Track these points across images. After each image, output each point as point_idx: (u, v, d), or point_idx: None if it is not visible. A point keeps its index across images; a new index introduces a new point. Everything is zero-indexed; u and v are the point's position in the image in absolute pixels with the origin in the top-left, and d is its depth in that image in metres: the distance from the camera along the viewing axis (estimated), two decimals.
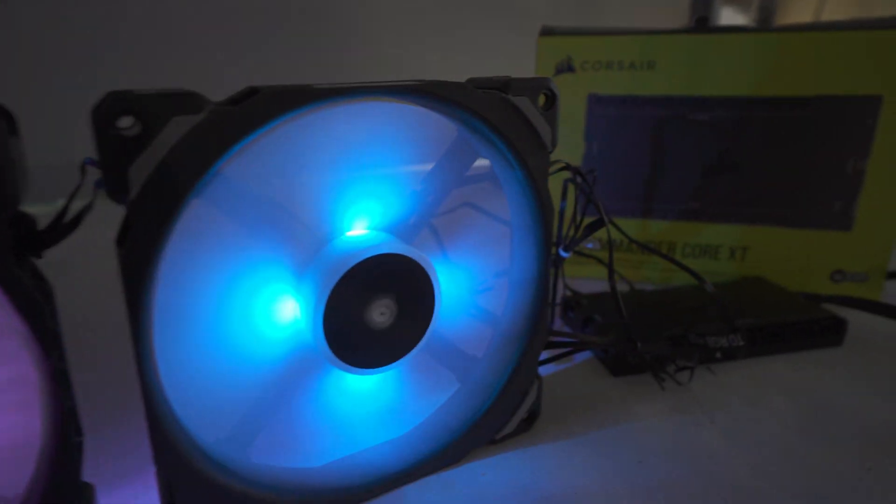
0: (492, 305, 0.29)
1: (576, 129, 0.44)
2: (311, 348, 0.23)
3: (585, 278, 0.48)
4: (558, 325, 0.40)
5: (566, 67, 0.43)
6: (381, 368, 0.24)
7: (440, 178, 0.25)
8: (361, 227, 0.24)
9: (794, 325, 0.36)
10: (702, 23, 0.42)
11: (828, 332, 0.36)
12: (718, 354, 0.32)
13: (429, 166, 0.25)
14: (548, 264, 0.27)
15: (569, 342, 0.29)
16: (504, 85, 0.23)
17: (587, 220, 0.33)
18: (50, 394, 0.17)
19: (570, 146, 0.45)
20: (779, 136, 0.41)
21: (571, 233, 0.33)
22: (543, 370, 0.34)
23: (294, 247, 0.22)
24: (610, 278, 0.30)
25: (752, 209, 0.43)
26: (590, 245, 0.33)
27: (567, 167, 0.29)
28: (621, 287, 0.44)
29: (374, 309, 0.22)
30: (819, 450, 0.27)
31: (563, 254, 0.34)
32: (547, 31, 0.43)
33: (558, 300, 0.40)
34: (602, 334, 0.35)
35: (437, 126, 0.24)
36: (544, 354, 0.29)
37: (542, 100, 0.24)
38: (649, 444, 0.28)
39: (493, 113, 0.23)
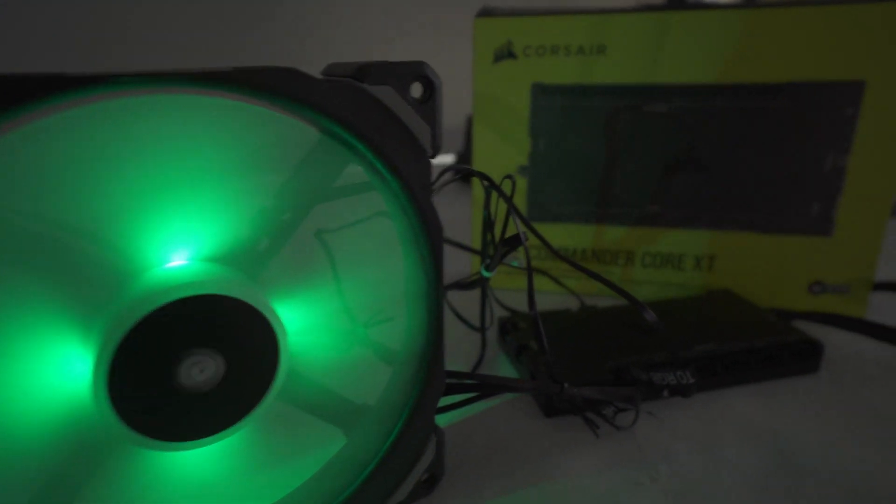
0: (388, 339, 0.24)
1: (519, 123, 0.39)
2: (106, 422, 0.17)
3: (545, 293, 0.43)
4: (494, 351, 0.35)
5: (506, 53, 0.38)
6: (204, 440, 0.18)
7: (298, 192, 0.20)
8: (184, 256, 0.19)
9: (760, 351, 0.31)
10: (676, 1, 0.37)
11: (801, 358, 0.31)
12: (665, 393, 0.27)
13: (283, 177, 0.20)
14: (439, 294, 0.22)
15: (474, 385, 0.24)
16: (360, 71, 0.18)
17: (512, 233, 0.27)
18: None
19: (514, 143, 0.39)
20: (748, 129, 0.36)
21: (492, 249, 0.28)
22: (461, 410, 0.29)
23: (77, 286, 0.17)
24: (530, 306, 0.25)
25: (718, 213, 0.38)
26: (515, 262, 0.28)
27: (471, 173, 0.23)
28: (571, 303, 0.39)
29: (186, 366, 0.17)
30: None
31: (485, 273, 0.29)
32: (485, 12, 0.38)
33: (490, 323, 0.35)
34: (534, 367, 0.30)
35: (292, 128, 0.19)
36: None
37: (417, 91, 0.19)
38: None
39: (347, 108, 0.17)
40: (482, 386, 0.24)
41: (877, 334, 0.33)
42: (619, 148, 0.38)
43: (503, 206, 0.39)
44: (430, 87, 0.19)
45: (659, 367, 0.28)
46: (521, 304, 0.40)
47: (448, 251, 0.51)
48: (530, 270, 0.24)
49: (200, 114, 0.17)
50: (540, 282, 0.42)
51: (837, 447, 0.26)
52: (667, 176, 0.38)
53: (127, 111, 0.16)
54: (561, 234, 0.41)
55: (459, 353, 0.34)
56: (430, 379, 0.23)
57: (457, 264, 0.48)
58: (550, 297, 0.42)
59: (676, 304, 0.36)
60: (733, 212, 0.38)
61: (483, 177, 0.23)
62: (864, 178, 0.35)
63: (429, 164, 0.19)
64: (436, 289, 0.21)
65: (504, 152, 0.40)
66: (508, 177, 0.26)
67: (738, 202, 0.37)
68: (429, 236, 0.20)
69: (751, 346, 0.31)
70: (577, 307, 0.36)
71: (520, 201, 0.41)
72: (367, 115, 0.18)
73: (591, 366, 0.29)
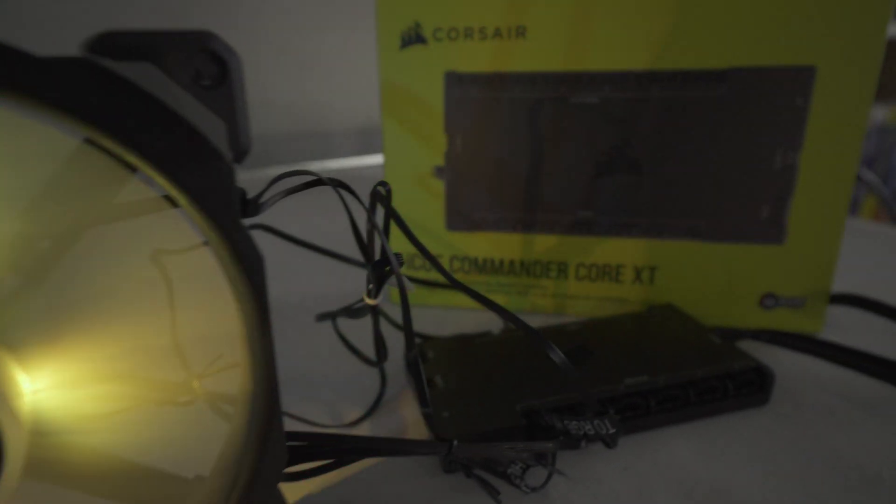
0: (218, 396, 0.19)
1: (433, 118, 0.34)
2: None
3: (467, 309, 0.38)
4: (401, 386, 0.30)
5: (415, 37, 0.33)
6: None
7: (58, 212, 0.14)
8: None
9: (699, 383, 0.26)
10: None
11: (748, 389, 0.27)
12: (583, 444, 0.22)
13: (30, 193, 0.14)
14: (267, 340, 0.16)
15: (330, 451, 0.19)
16: (101, 43, 0.12)
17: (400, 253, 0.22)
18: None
19: (428, 142, 0.34)
20: (688, 123, 0.31)
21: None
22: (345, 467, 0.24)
23: None
24: (408, 348, 0.20)
25: (658, 218, 0.33)
26: (410, 288, 0.23)
27: (320, 181, 0.18)
28: (495, 322, 0.33)
29: None
30: None
31: (368, 300, 0.24)
32: None
33: (388, 356, 0.30)
34: (438, 407, 0.25)
35: (36, 128, 0.14)
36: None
37: (208, 72, 0.14)
38: None
39: (85, 97, 0.12)
40: (340, 452, 0.19)
41: (833, 356, 0.29)
42: (545, 145, 0.33)
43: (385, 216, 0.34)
44: (223, 67, 0.14)
45: (576, 412, 0.23)
46: (438, 324, 0.36)
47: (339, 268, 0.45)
48: (406, 303, 0.19)
49: None
50: (457, 298, 0.37)
51: (789, 499, 0.22)
52: (599, 177, 0.33)
53: None
54: (484, 245, 0.36)
55: (359, 392, 0.29)
56: (265, 444, 0.17)
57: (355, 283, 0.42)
58: (470, 315, 0.37)
59: (610, 325, 0.31)
60: (674, 217, 0.33)
61: (338, 184, 0.18)
62: (817, 177, 0.31)
63: (229, 171, 0.14)
64: (261, 333, 0.16)
65: (417, 152, 0.35)
66: (381, 184, 0.20)
67: (679, 206, 0.33)
68: (243, 268, 0.15)
69: (689, 378, 0.26)
70: (498, 330, 0.31)
71: (437, 208, 0.36)
72: (117, 105, 0.13)
73: (501, 407, 0.24)
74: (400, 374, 0.31)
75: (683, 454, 0.24)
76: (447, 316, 0.37)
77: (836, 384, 0.29)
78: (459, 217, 0.36)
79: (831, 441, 0.25)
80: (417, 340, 0.31)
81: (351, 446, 0.19)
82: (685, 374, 0.26)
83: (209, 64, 0.14)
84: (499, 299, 0.37)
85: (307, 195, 0.70)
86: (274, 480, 0.18)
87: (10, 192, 0.14)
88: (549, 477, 0.22)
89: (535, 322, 0.36)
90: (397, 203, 0.36)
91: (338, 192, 0.18)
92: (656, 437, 0.25)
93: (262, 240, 0.52)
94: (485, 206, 0.35)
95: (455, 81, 0.33)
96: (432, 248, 0.37)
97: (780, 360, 0.31)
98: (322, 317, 0.28)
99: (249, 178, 0.78)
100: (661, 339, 0.29)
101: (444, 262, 0.37)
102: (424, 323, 0.36)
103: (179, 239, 0.16)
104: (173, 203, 0.15)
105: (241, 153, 0.14)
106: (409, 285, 0.22)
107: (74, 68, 0.12)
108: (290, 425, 0.27)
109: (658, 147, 0.32)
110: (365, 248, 0.20)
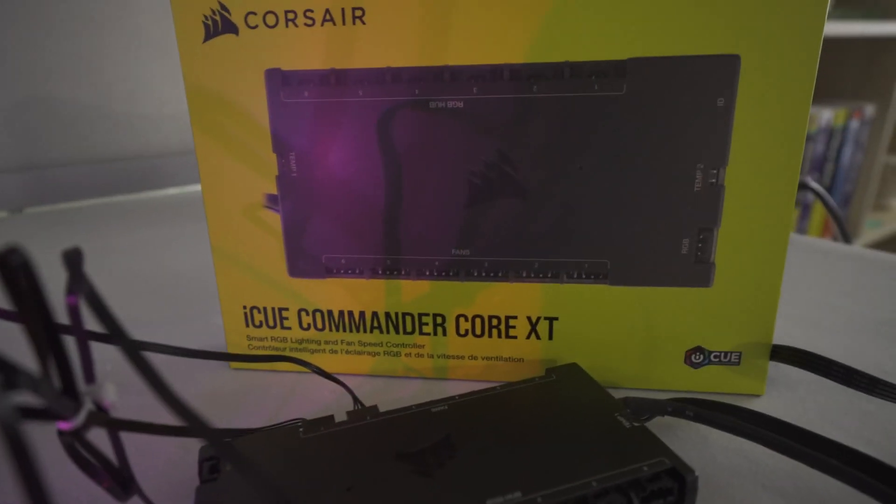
0: None
1: (256, 132, 0.26)
2: None
3: (363, 375, 0.30)
4: None
5: (220, 25, 0.25)
6: None
7: None
8: None
9: (592, 501, 0.19)
10: None
11: (662, 501, 0.19)
12: None
13: None
14: None
15: None
16: None
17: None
18: None
19: (253, 162, 0.26)
20: (581, 132, 0.24)
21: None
22: None
23: None
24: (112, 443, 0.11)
25: (553, 256, 0.26)
26: (106, 402, 0.15)
27: None
28: (345, 405, 0.25)
29: None
30: None
31: (62, 427, 0.15)
32: None
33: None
34: None
35: None
36: None
37: None
38: None
39: None
40: None
41: (776, 443, 0.22)
42: (404, 165, 0.25)
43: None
44: None
45: None
46: (268, 402, 0.27)
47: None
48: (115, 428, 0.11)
49: None
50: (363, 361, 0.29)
51: None
52: (474, 204, 0.25)
53: None
54: (339, 295, 0.28)
55: None
56: None
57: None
58: (380, 382, 0.28)
59: (491, 401, 0.23)
60: (573, 255, 0.26)
61: None
62: (750, 199, 0.24)
63: None
64: None
65: (241, 176, 0.26)
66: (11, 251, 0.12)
67: (578, 241, 0.25)
68: None
69: (580, 493, 0.18)
70: (350, 409, 0.23)
71: (274, 247, 0.27)
72: None
73: None
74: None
75: None
76: (298, 383, 0.28)
77: (781, 478, 0.22)
78: (303, 259, 0.27)
79: None
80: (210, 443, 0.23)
81: None
82: (574, 485, 0.19)
83: None
84: (364, 361, 0.29)
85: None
86: None
87: None
88: None
89: (410, 391, 0.28)
90: (225, 242, 0.28)
91: None
92: None
93: None
94: (335, 244, 0.27)
95: (279, 82, 0.25)
96: (273, 300, 0.28)
97: (710, 441, 0.24)
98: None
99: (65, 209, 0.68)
100: (552, 427, 0.22)
101: (291, 318, 0.28)
102: (260, 397, 0.27)
103: None
104: None
105: None
106: (110, 394, 0.13)
107: None
108: None
109: (545, 164, 0.24)
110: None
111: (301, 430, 0.22)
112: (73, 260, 0.14)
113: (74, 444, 0.15)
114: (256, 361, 0.23)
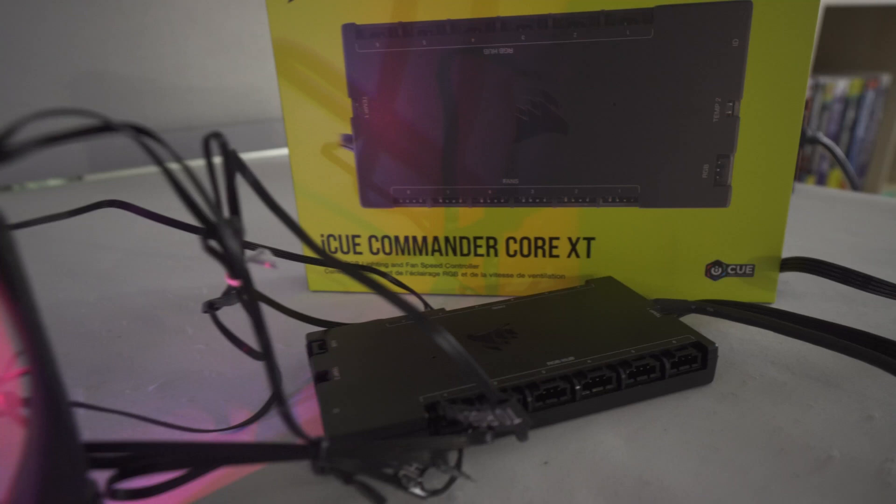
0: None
1: (334, 80, 0.30)
2: None
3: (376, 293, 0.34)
4: (305, 379, 0.26)
5: None
6: None
7: None
8: None
9: (633, 363, 0.23)
10: None
11: (689, 367, 0.24)
12: (488, 438, 0.19)
13: None
14: (31, 314, 0.12)
15: (164, 461, 0.15)
16: None
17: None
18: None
19: (331, 106, 0.30)
20: (615, 73, 0.28)
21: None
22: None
23: None
24: (258, 331, 0.16)
25: (590, 183, 0.30)
26: (268, 266, 0.20)
27: (109, 127, 0.14)
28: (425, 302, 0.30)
29: None
30: None
31: (231, 282, 0.20)
32: None
33: (285, 346, 0.26)
34: (333, 403, 0.21)
35: None
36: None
37: None
38: None
39: None
40: (179, 462, 0.15)
41: (785, 328, 0.26)
42: (461, 105, 0.29)
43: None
44: None
45: (476, 403, 0.20)
46: (352, 311, 0.32)
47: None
48: (251, 291, 0.16)
49: None
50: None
51: (731, 494, 0.18)
52: (521, 139, 0.30)
53: None
54: (404, 222, 0.32)
55: (258, 390, 0.25)
56: (50, 460, 0.13)
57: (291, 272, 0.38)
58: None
59: (541, 303, 0.28)
60: (608, 181, 0.30)
61: (138, 131, 0.14)
62: (761, 129, 0.28)
63: None
64: (28, 316, 0.12)
65: (320, 119, 0.31)
66: (215, 135, 0.16)
67: (612, 169, 0.29)
68: None
69: (621, 358, 0.23)
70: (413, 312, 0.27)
71: (348, 182, 0.32)
72: None
73: (402, 402, 0.21)
74: (303, 369, 0.27)
75: (612, 443, 0.21)
76: (369, 302, 0.33)
77: (787, 357, 0.26)
78: (374, 192, 0.32)
79: (779, 421, 0.22)
80: (320, 329, 0.27)
81: (190, 455, 0.16)
82: (616, 353, 0.23)
83: None
84: (425, 282, 0.33)
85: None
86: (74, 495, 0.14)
87: None
88: (452, 479, 0.19)
89: (454, 304, 0.32)
90: (305, 178, 0.32)
91: (140, 143, 0.14)
92: (583, 427, 0.22)
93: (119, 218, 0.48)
94: (401, 177, 0.31)
95: (354, 35, 0.29)
96: (347, 228, 0.33)
97: (727, 334, 0.28)
98: (206, 307, 0.24)
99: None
100: (595, 317, 0.26)
101: (363, 244, 0.33)
102: (339, 310, 0.32)
103: None
104: None
105: None
106: (270, 259, 0.18)
107: None
108: (159, 433, 0.23)
109: (584, 102, 0.28)
110: (200, 212, 0.16)
111: (387, 323, 0.27)
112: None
113: (216, 314, 0.20)
114: (348, 272, 0.28)
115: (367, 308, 0.32)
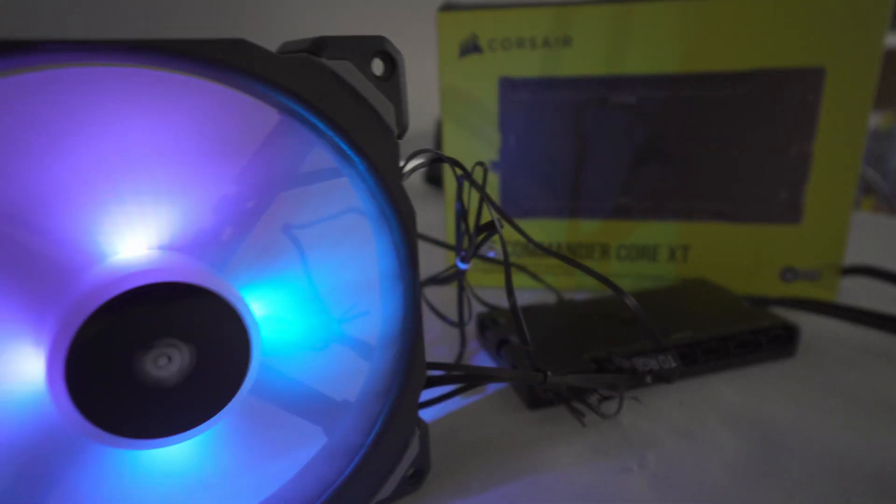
0: (365, 334, 0.23)
1: (489, 119, 0.39)
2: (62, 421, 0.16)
3: (523, 289, 0.42)
4: (475, 346, 0.34)
5: (472, 47, 0.38)
6: (174, 437, 0.17)
7: (261, 177, 0.19)
8: (143, 245, 0.17)
9: (737, 336, 0.31)
10: None
11: (778, 343, 0.31)
12: (649, 379, 0.26)
13: (242, 161, 0.19)
14: (415, 282, 0.21)
15: (457, 376, 0.23)
16: (316, 45, 0.17)
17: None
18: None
19: (484, 139, 0.39)
20: (714, 118, 0.36)
21: (467, 240, 0.27)
22: (443, 407, 0.28)
23: (21, 277, 0.15)
24: (509, 293, 0.24)
25: (688, 203, 0.38)
26: (491, 254, 0.28)
27: (440, 158, 0.23)
28: (549, 298, 0.39)
29: (151, 357, 0.16)
30: (771, 494, 0.22)
31: (461, 265, 0.28)
32: (447, 6, 0.37)
33: (469, 319, 0.34)
34: (516, 360, 0.29)
35: (250, 107, 0.18)
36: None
37: (378, 67, 0.18)
38: (565, 501, 0.22)
39: (304, 84, 0.17)
40: (465, 377, 0.24)
41: (849, 317, 0.33)
42: (589, 140, 0.38)
43: (476, 198, 0.38)
44: (392, 63, 0.18)
45: (640, 354, 0.28)
46: (497, 301, 0.40)
47: (421, 248, 0.50)
48: (507, 258, 0.24)
49: (149, 90, 0.16)
50: (516, 278, 0.42)
51: (818, 429, 0.26)
52: (636, 167, 0.38)
53: (60, 82, 0.15)
54: (535, 230, 0.40)
55: (438, 351, 0.34)
56: (410, 371, 0.22)
57: (430, 262, 0.47)
58: (526, 293, 0.41)
59: (653, 295, 0.36)
60: (703, 202, 0.38)
61: (454, 163, 0.23)
62: (828, 164, 0.36)
63: (396, 144, 0.19)
64: (411, 277, 0.21)
65: (474, 148, 0.39)
66: (480, 164, 0.25)
67: (707, 192, 0.37)
68: (401, 220, 0.20)
69: (728, 333, 0.30)
70: (553, 302, 0.35)
71: (493, 198, 0.40)
72: (327, 91, 0.17)
73: (572, 357, 0.29)
74: (471, 340, 0.35)
75: (727, 393, 0.29)
76: (500, 294, 0.41)
77: (853, 340, 0.33)
78: (513, 206, 0.40)
79: (849, 383, 0.29)
80: (487, 310, 0.35)
81: (476, 373, 0.24)
82: (724, 330, 0.31)
83: (382, 62, 0.18)
84: (548, 279, 0.41)
85: None
86: (415, 400, 0.22)
87: (226, 163, 0.18)
88: (621, 405, 0.27)
89: (581, 298, 0.40)
90: (454, 196, 0.40)
91: (454, 172, 0.23)
92: (703, 382, 0.30)
93: None
94: (535, 195, 0.40)
95: (508, 86, 0.38)
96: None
97: (802, 322, 0.36)
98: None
99: None
100: (699, 305, 0.34)
101: (497, 245, 0.41)
102: (486, 298, 0.40)
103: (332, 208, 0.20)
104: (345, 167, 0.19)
105: (403, 130, 0.19)
106: (497, 251, 0.26)
107: (301, 64, 0.16)
108: None
109: (688, 140, 0.37)
110: (464, 219, 0.25)
111: (539, 308, 0.35)
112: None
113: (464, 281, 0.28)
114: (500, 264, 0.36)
115: (504, 298, 0.41)
